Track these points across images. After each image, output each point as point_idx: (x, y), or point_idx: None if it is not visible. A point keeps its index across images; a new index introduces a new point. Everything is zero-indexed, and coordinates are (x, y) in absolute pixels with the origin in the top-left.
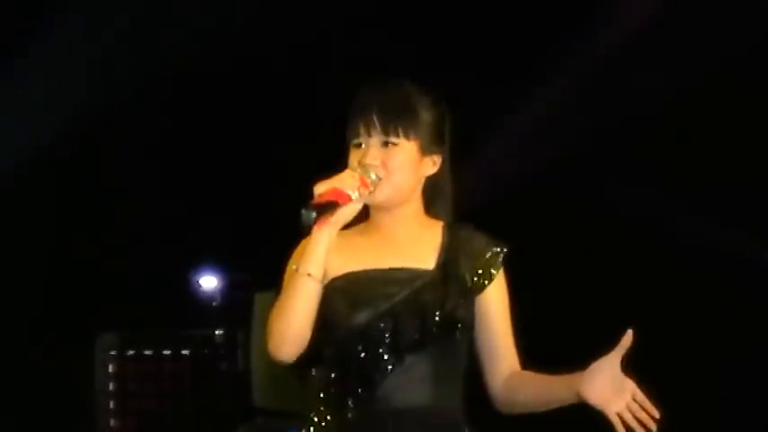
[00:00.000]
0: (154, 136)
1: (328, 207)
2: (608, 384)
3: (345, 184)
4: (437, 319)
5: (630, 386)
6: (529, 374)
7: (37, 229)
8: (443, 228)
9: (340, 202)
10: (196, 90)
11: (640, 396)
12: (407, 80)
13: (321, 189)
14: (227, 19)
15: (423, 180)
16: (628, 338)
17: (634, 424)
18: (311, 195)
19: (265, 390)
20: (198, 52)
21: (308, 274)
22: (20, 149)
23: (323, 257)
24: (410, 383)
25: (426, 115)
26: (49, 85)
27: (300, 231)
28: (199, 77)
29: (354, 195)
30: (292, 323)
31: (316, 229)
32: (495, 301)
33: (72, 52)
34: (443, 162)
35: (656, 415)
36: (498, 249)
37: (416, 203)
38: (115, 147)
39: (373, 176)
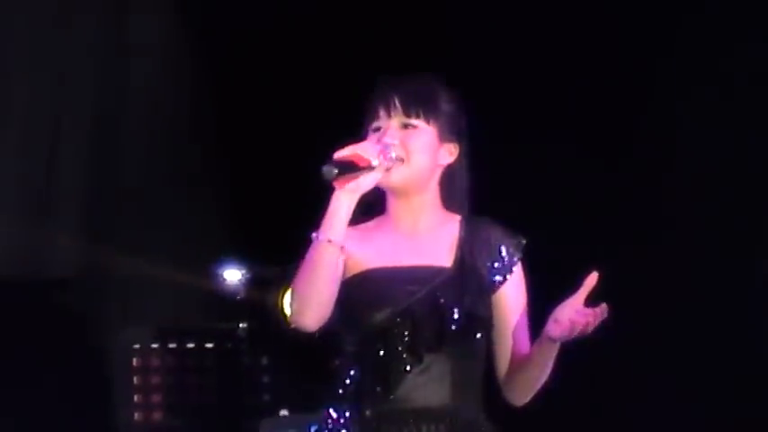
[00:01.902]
0: (174, 127)
1: (349, 167)
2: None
3: (366, 150)
4: (456, 317)
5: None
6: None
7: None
8: (461, 222)
9: (361, 164)
10: (225, 82)
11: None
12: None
13: (340, 153)
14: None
15: (439, 170)
16: (592, 279)
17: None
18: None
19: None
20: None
21: (329, 240)
22: None
23: (343, 223)
24: (428, 383)
25: (445, 106)
26: None
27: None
28: (229, 70)
29: (375, 163)
30: (314, 290)
31: (336, 191)
32: (512, 297)
33: None
34: (460, 154)
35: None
36: (516, 242)
37: (433, 194)
38: (136, 139)
39: (393, 155)
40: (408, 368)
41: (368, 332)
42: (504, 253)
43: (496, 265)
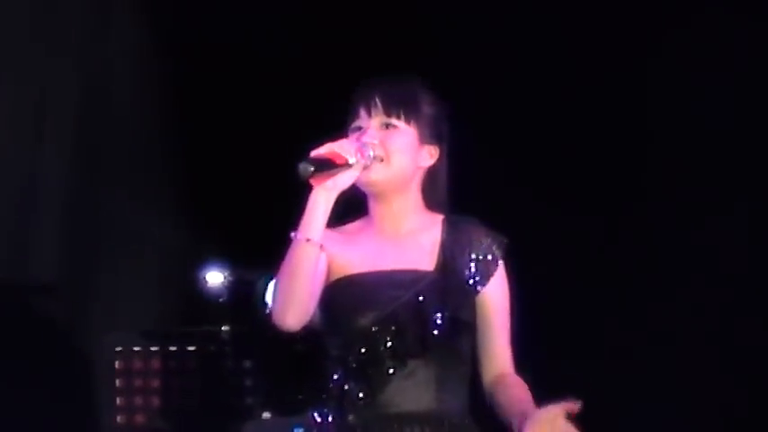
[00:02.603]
0: (157, 128)
1: (325, 165)
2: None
3: (343, 148)
4: (439, 322)
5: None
6: (506, 386)
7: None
8: (443, 223)
9: (338, 162)
10: (204, 86)
11: None
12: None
13: (318, 151)
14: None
15: (420, 172)
16: (574, 407)
17: None
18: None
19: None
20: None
21: (307, 239)
22: None
23: (321, 222)
24: (413, 388)
25: (427, 108)
26: None
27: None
28: (208, 75)
29: (352, 160)
30: (295, 290)
31: (314, 189)
32: (494, 298)
33: None
34: (441, 157)
35: None
36: (498, 242)
37: (414, 196)
38: (119, 143)
39: (371, 153)
40: (392, 372)
41: (351, 337)
42: (486, 254)
43: (479, 266)
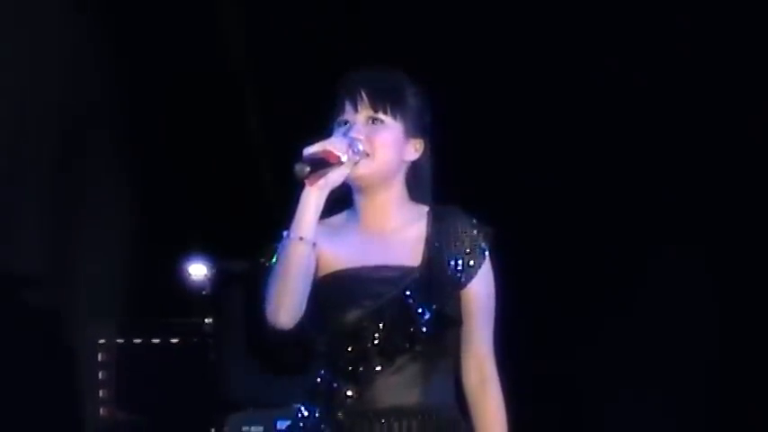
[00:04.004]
0: (140, 123)
1: (320, 164)
2: None
3: (335, 146)
4: (426, 318)
5: None
6: (482, 407)
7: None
8: (428, 215)
9: (331, 160)
10: (183, 81)
11: None
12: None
13: (310, 150)
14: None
15: (404, 166)
16: None
17: None
18: (300, 156)
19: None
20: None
21: (300, 238)
22: None
23: (314, 220)
24: (400, 384)
25: (412, 100)
26: None
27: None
28: (191, 71)
29: (344, 158)
30: (288, 288)
31: (306, 188)
32: (479, 290)
33: None
34: (425, 150)
35: None
36: (484, 233)
37: (399, 189)
38: (101, 133)
39: (360, 148)
40: (379, 369)
41: (338, 333)
42: (473, 247)
43: (466, 259)
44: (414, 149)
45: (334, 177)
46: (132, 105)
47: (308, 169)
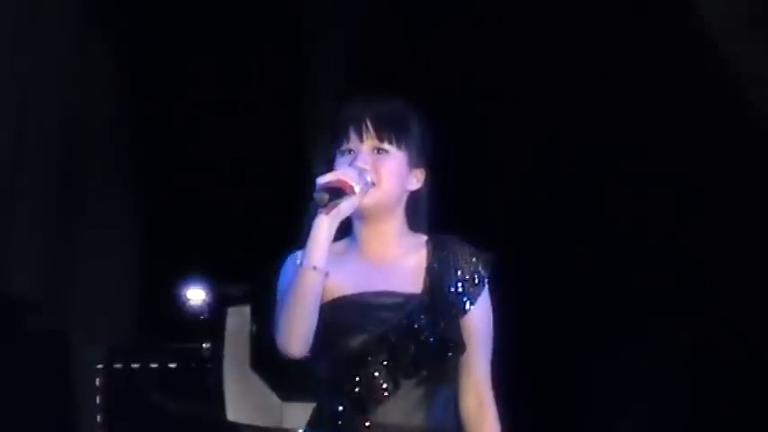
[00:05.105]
0: (135, 145)
1: (336, 193)
2: None
3: (348, 175)
4: (431, 342)
5: None
6: (477, 429)
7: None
8: (427, 243)
9: (346, 190)
10: (186, 104)
11: None
12: (394, 96)
13: (324, 179)
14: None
15: (406, 195)
16: None
17: None
18: (314, 186)
19: (237, 404)
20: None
21: (314, 267)
22: None
23: (326, 249)
24: (405, 408)
25: (415, 130)
26: None
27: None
28: (183, 93)
29: (357, 188)
30: (301, 317)
31: (318, 217)
32: (477, 316)
33: None
34: (426, 179)
35: None
36: (484, 260)
37: (401, 219)
38: (96, 156)
39: (368, 178)
40: (386, 394)
41: (343, 358)
42: (473, 275)
43: (466, 287)
44: (416, 179)
45: (345, 206)
46: (126, 132)
47: (327, 197)
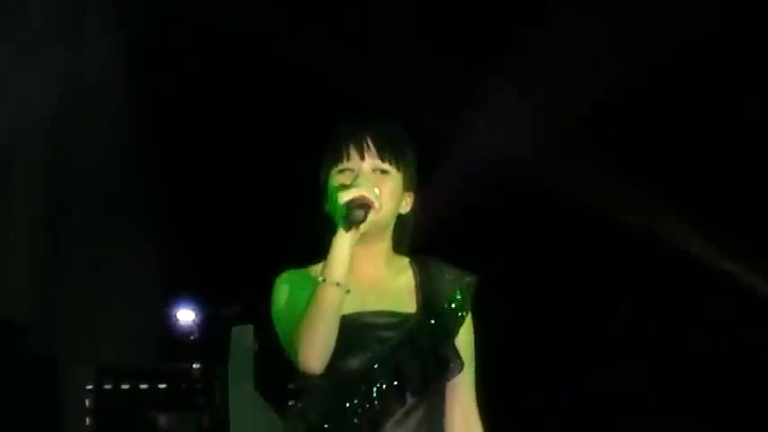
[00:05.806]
0: (127, 166)
1: (366, 208)
2: None
3: (368, 191)
4: (434, 360)
5: None
6: None
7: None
8: (410, 265)
9: (371, 206)
10: (175, 123)
11: None
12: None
13: (349, 196)
14: None
15: (394, 218)
16: None
17: None
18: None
19: (243, 424)
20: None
21: (337, 284)
22: None
23: (347, 265)
24: (409, 425)
25: (410, 153)
26: None
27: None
28: (180, 112)
29: (376, 204)
30: (323, 333)
31: (342, 234)
32: (464, 339)
33: None
34: (414, 203)
35: None
36: (468, 282)
37: (389, 242)
38: (87, 179)
39: (377, 192)
40: (390, 411)
41: (346, 377)
42: (459, 298)
43: (454, 311)
44: (406, 202)
45: (365, 223)
46: (119, 152)
47: (364, 213)
